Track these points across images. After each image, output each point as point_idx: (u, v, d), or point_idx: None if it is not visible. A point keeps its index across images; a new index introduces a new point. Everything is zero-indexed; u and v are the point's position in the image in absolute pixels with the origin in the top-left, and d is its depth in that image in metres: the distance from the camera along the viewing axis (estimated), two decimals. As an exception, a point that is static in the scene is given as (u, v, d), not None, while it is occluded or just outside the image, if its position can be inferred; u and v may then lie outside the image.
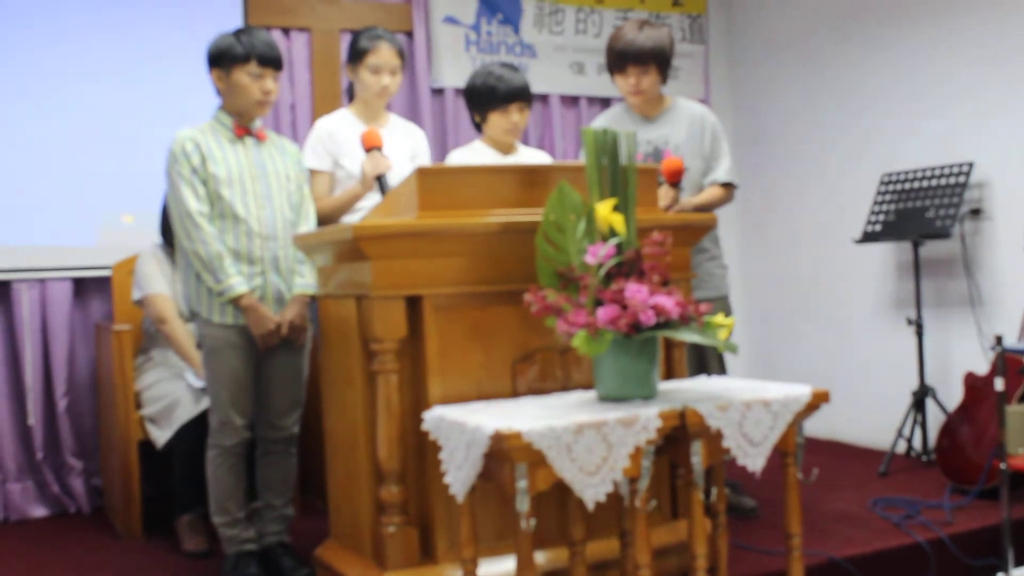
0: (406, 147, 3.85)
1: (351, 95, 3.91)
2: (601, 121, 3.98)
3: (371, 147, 3.52)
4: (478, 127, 3.87)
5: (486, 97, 3.75)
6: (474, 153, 3.82)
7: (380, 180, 3.47)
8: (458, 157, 3.85)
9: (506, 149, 3.83)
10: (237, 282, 3.21)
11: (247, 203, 3.27)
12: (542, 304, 2.55)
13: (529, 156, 3.94)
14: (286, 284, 3.35)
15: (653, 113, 3.91)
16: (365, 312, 2.80)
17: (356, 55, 3.75)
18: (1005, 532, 3.40)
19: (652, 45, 3.75)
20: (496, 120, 3.76)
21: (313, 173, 3.71)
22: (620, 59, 3.78)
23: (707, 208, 3.82)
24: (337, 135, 3.76)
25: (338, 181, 3.76)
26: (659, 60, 3.78)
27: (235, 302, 3.22)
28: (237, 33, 3.30)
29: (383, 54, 3.72)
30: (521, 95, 3.74)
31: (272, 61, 3.30)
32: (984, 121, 4.61)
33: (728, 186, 3.90)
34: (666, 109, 3.92)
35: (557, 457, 2.35)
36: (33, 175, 4.41)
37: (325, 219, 3.63)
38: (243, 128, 3.34)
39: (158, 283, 4.03)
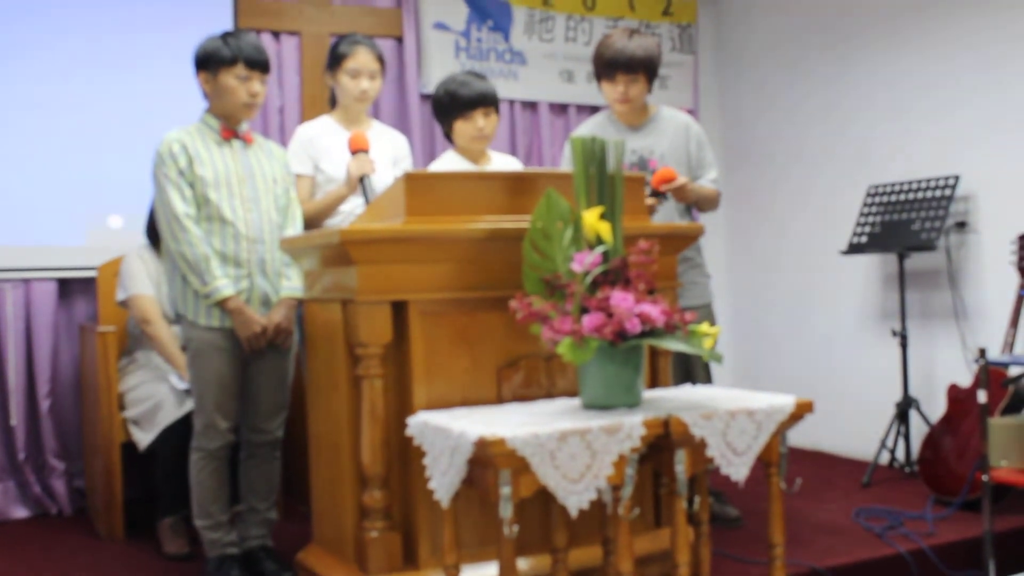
0: (388, 152, 3.85)
1: (333, 103, 3.91)
2: (584, 129, 3.97)
3: (357, 149, 3.54)
4: (450, 138, 3.85)
5: (449, 105, 3.72)
6: (446, 164, 3.79)
7: (363, 181, 3.47)
8: (431, 170, 3.84)
9: (476, 158, 3.81)
10: (224, 284, 3.20)
11: (234, 206, 3.26)
12: (528, 311, 2.55)
13: (501, 163, 3.93)
14: (273, 287, 3.35)
15: (637, 122, 3.91)
16: (350, 316, 2.79)
17: (335, 60, 3.76)
18: (986, 544, 3.42)
19: (643, 54, 3.75)
20: (461, 127, 3.72)
21: (296, 177, 3.72)
22: (609, 67, 3.77)
23: (705, 200, 3.83)
24: (317, 140, 3.77)
25: (318, 185, 3.77)
26: (648, 69, 3.78)
27: (221, 304, 3.21)
28: (224, 36, 3.30)
29: (361, 58, 3.73)
30: (484, 100, 3.71)
31: (259, 64, 3.30)
32: (971, 134, 4.63)
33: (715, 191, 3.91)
34: (651, 118, 3.92)
35: (541, 464, 2.35)
36: (20, 175, 4.40)
37: (309, 222, 3.64)
38: (230, 131, 3.33)
39: (143, 284, 4.02)
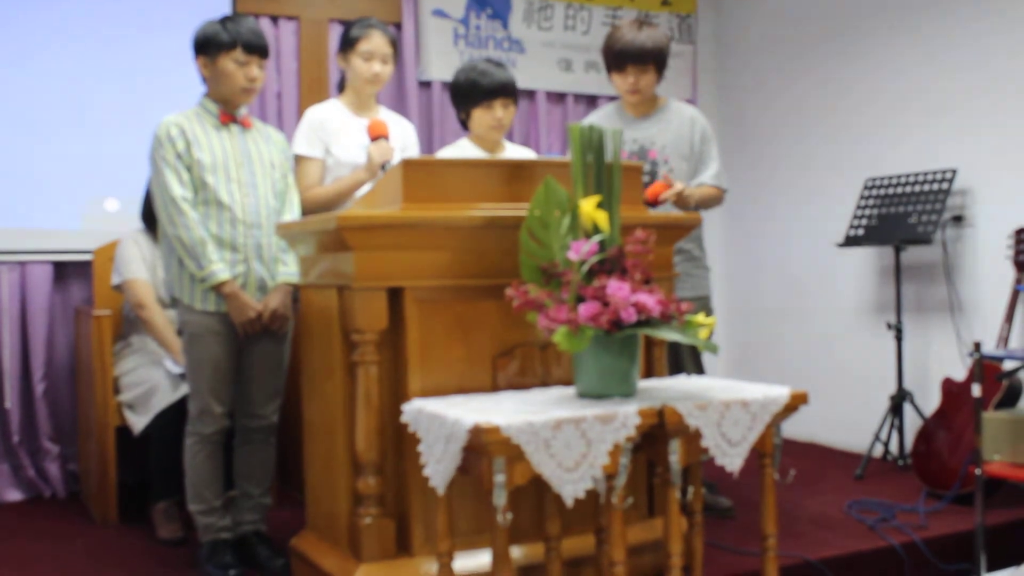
0: (397, 139, 3.85)
1: (342, 88, 3.90)
2: (593, 119, 3.98)
3: (377, 136, 3.58)
4: (464, 125, 3.85)
5: (469, 93, 3.72)
6: (460, 151, 3.80)
7: (383, 168, 3.52)
8: (445, 156, 3.84)
9: (492, 147, 3.81)
10: (219, 269, 3.19)
11: (231, 190, 3.26)
12: (524, 299, 2.54)
13: (515, 154, 3.92)
14: (269, 272, 3.34)
15: (645, 112, 3.91)
16: (346, 303, 2.79)
17: (348, 43, 3.76)
18: (978, 537, 3.43)
19: (652, 45, 3.76)
20: (480, 116, 3.73)
21: (306, 160, 3.72)
22: (620, 59, 3.78)
23: (705, 201, 3.83)
24: (328, 123, 3.76)
25: (327, 169, 3.76)
26: (658, 60, 3.80)
27: (217, 289, 3.21)
28: (223, 20, 3.29)
29: (375, 41, 3.73)
30: (504, 90, 3.71)
31: (258, 49, 3.29)
32: (968, 129, 4.63)
33: (717, 189, 3.91)
34: (658, 109, 3.92)
35: (535, 452, 2.35)
36: (16, 158, 4.39)
37: (324, 205, 3.64)
38: (228, 115, 3.32)
39: (138, 268, 4.01)
